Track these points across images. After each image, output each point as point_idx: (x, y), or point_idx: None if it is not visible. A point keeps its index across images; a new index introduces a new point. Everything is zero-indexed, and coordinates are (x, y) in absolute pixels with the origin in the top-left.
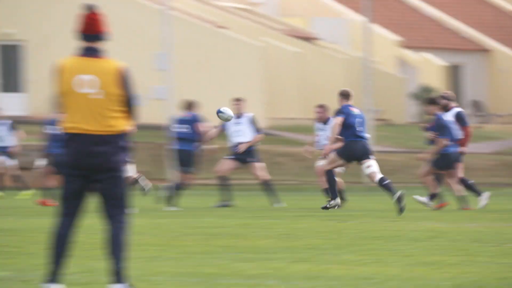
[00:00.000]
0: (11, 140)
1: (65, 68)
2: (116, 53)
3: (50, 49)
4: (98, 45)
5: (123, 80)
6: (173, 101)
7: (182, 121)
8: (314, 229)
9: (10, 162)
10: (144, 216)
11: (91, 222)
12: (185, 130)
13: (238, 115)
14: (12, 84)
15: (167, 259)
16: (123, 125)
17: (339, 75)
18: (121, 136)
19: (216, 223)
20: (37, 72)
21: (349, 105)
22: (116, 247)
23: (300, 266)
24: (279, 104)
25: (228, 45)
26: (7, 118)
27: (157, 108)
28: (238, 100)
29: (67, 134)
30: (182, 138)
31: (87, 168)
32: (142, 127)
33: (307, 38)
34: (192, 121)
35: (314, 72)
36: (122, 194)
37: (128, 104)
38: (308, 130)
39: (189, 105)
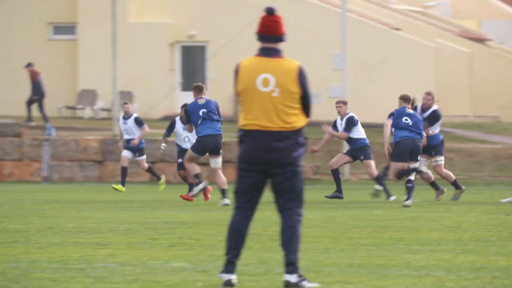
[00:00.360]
0: (136, 133)
1: (245, 68)
2: (294, 53)
3: (231, 49)
4: (277, 46)
5: (300, 79)
6: (348, 99)
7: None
8: (480, 222)
9: (139, 157)
10: (315, 209)
11: (267, 215)
12: None
13: (342, 117)
14: (193, 83)
15: (338, 251)
16: (300, 121)
17: (508, 74)
18: (299, 132)
19: (386, 216)
20: (218, 72)
21: (406, 107)
22: (290, 239)
23: (467, 258)
24: (451, 102)
25: (402, 46)
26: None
27: (333, 106)
28: (340, 102)
29: (244, 130)
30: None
31: (265, 163)
32: (318, 124)
33: (478, 39)
34: None
35: (484, 71)
36: (299, 188)
37: (304, 102)
38: (478, 127)
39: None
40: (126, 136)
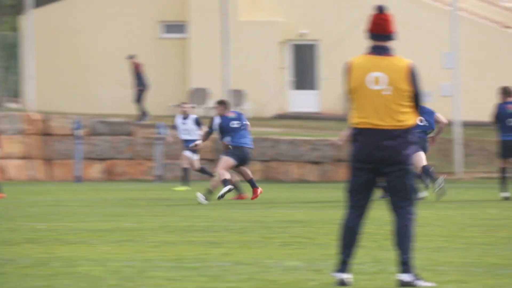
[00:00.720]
0: (196, 134)
1: (355, 66)
2: (405, 51)
3: (342, 48)
4: (387, 44)
5: (411, 77)
6: (459, 98)
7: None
8: None
9: (195, 157)
10: (428, 208)
11: (381, 213)
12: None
13: None
14: (304, 82)
15: (452, 250)
16: (411, 120)
17: None
18: (409, 130)
19: (500, 215)
20: (329, 70)
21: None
22: (404, 238)
23: None
24: None
25: None
26: (193, 112)
27: (444, 105)
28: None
29: (356, 129)
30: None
31: (377, 161)
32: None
33: None
34: None
35: None
36: (410, 186)
37: (415, 100)
38: None
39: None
40: (186, 136)
